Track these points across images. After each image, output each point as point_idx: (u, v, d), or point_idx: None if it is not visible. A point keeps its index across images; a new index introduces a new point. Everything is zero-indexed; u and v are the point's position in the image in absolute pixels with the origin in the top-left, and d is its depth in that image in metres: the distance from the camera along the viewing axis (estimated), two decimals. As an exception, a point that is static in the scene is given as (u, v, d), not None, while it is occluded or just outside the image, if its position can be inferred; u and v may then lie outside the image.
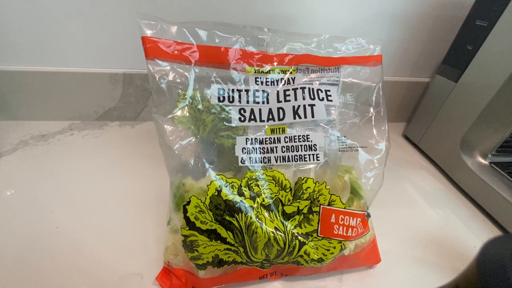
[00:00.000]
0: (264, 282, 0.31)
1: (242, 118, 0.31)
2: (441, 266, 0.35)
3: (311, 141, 0.31)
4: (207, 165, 0.29)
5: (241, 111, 0.31)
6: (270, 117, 0.32)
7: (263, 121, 0.32)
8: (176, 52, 0.29)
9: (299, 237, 0.28)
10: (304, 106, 0.32)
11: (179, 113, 0.30)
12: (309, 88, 0.33)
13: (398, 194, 0.46)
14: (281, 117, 0.32)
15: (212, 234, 0.27)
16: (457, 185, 0.48)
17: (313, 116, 0.32)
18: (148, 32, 0.29)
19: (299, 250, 0.28)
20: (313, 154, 0.31)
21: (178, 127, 0.30)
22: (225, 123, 0.31)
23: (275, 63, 0.33)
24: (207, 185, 0.28)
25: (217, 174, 0.29)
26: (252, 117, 0.31)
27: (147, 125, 0.56)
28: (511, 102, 0.41)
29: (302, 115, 0.32)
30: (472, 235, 0.40)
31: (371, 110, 0.34)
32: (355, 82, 0.34)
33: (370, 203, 0.32)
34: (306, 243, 0.28)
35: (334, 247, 0.29)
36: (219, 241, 0.27)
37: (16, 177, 0.41)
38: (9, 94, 0.49)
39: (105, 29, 0.47)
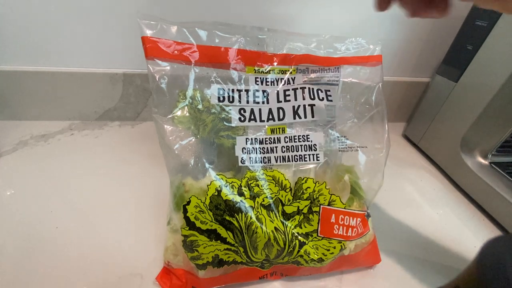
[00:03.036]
0: (264, 282, 0.31)
1: (242, 118, 0.31)
2: (441, 266, 0.35)
3: (311, 141, 0.31)
4: (207, 165, 0.29)
5: (241, 111, 0.31)
6: (270, 117, 0.32)
7: (263, 121, 0.32)
8: (176, 52, 0.29)
9: (299, 237, 0.28)
10: (304, 106, 0.32)
11: (179, 113, 0.30)
12: (309, 88, 0.32)
13: (398, 194, 0.46)
14: (281, 117, 0.32)
15: (212, 234, 0.27)
16: (457, 185, 0.48)
17: (313, 116, 0.32)
18: (148, 32, 0.29)
19: (299, 250, 0.28)
20: (313, 154, 0.31)
21: (178, 127, 0.30)
22: (225, 123, 0.31)
23: (275, 63, 0.33)
24: (207, 185, 0.28)
25: (217, 174, 0.29)
26: (252, 117, 0.31)
27: (147, 125, 0.56)
28: (511, 102, 0.41)
29: (302, 115, 0.32)
30: (472, 235, 0.40)
31: (371, 110, 0.34)
32: (355, 82, 0.34)
33: (370, 203, 0.32)
34: (306, 243, 0.28)
35: (334, 247, 0.29)
36: (219, 241, 0.27)
37: (16, 177, 0.41)
38: (9, 94, 0.49)
39: (105, 29, 0.47)
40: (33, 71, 0.48)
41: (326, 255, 0.29)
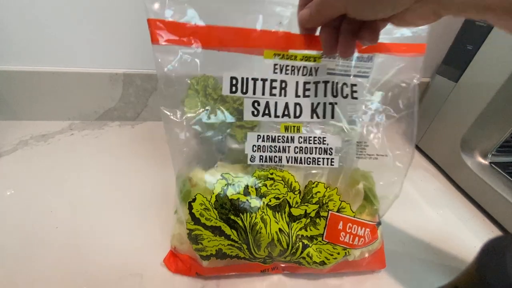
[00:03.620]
0: (265, 275, 0.32)
1: (255, 112, 0.28)
2: (441, 266, 0.35)
3: (327, 144, 0.29)
4: (216, 157, 0.29)
5: (255, 104, 0.28)
6: (286, 112, 0.29)
7: (278, 116, 0.29)
8: (185, 35, 0.26)
9: (303, 240, 0.28)
10: (324, 104, 0.29)
11: (189, 101, 0.28)
12: (332, 82, 0.29)
13: (398, 194, 0.46)
14: (297, 114, 0.29)
15: (216, 231, 0.27)
16: (457, 185, 0.48)
17: (332, 117, 0.29)
18: (155, 14, 0.25)
19: (302, 252, 0.28)
20: (327, 158, 0.29)
21: (187, 116, 0.28)
22: (237, 115, 0.29)
23: (298, 47, 0.28)
24: (213, 184, 0.28)
25: (224, 173, 0.28)
26: (266, 112, 0.29)
27: (147, 125, 0.56)
28: (511, 102, 0.41)
29: (320, 114, 0.29)
30: (472, 235, 0.40)
31: (400, 111, 0.30)
32: (388, 76, 0.29)
33: (383, 213, 0.31)
34: (310, 245, 0.28)
35: (338, 253, 0.29)
36: (223, 237, 0.27)
37: (16, 177, 0.41)
38: (9, 94, 0.49)
39: (105, 29, 0.47)
40: (33, 71, 0.48)
41: (329, 259, 0.28)
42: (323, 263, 0.28)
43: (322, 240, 0.29)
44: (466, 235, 0.40)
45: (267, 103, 0.29)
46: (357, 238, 0.29)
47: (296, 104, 0.29)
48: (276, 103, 0.29)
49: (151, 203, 0.39)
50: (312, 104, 0.29)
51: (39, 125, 0.52)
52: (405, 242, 0.38)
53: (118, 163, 0.45)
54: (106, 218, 0.36)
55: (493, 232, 0.41)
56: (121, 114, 0.55)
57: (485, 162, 0.47)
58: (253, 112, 0.28)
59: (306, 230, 0.29)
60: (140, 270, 0.31)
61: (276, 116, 0.29)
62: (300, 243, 0.28)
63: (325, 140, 0.29)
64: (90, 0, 0.44)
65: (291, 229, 0.28)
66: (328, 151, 0.29)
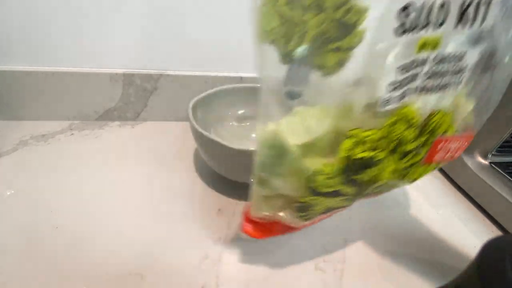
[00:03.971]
0: None
1: (406, 26, 0.17)
2: (441, 266, 0.35)
3: (465, 61, 0.21)
4: (289, 101, 0.21)
5: (406, 11, 0.17)
6: (428, 20, 0.18)
7: (419, 29, 0.18)
8: None
9: (404, 171, 0.26)
10: (479, 3, 0.18)
11: (263, 18, 0.18)
12: None
13: (397, 194, 0.46)
14: (440, 20, 0.18)
15: (334, 193, 0.24)
16: (457, 185, 0.48)
17: (482, 22, 0.19)
18: None
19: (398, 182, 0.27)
20: (458, 82, 0.22)
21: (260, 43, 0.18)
22: (336, 32, 0.18)
23: None
24: (339, 149, 0.22)
25: (352, 129, 0.21)
26: (418, 24, 0.17)
27: (147, 125, 0.56)
28: (511, 102, 0.41)
29: (469, 18, 0.19)
30: (472, 235, 0.40)
31: None
32: None
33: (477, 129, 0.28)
34: (408, 173, 0.26)
35: (427, 171, 0.28)
36: (338, 197, 0.24)
37: (16, 177, 0.41)
38: (9, 94, 0.49)
39: (105, 29, 0.47)
40: (33, 71, 0.48)
41: (419, 177, 0.28)
42: (412, 181, 0.27)
43: (419, 164, 0.25)
44: (466, 235, 0.40)
45: (422, 6, 0.17)
46: (448, 154, 0.27)
47: (441, 5, 0.18)
48: (430, 8, 0.17)
49: (151, 202, 0.39)
50: (463, 3, 0.18)
51: (39, 125, 0.51)
52: (404, 242, 0.38)
53: (118, 163, 0.45)
54: (105, 217, 0.36)
55: (493, 232, 0.41)
56: (121, 114, 0.55)
57: (485, 162, 0.47)
58: (401, 27, 0.17)
59: (409, 160, 0.25)
60: (140, 270, 0.31)
61: (419, 29, 0.18)
62: (401, 175, 0.25)
63: (463, 57, 0.20)
64: (90, 0, 0.44)
65: (399, 165, 0.24)
66: (462, 71, 0.21)
